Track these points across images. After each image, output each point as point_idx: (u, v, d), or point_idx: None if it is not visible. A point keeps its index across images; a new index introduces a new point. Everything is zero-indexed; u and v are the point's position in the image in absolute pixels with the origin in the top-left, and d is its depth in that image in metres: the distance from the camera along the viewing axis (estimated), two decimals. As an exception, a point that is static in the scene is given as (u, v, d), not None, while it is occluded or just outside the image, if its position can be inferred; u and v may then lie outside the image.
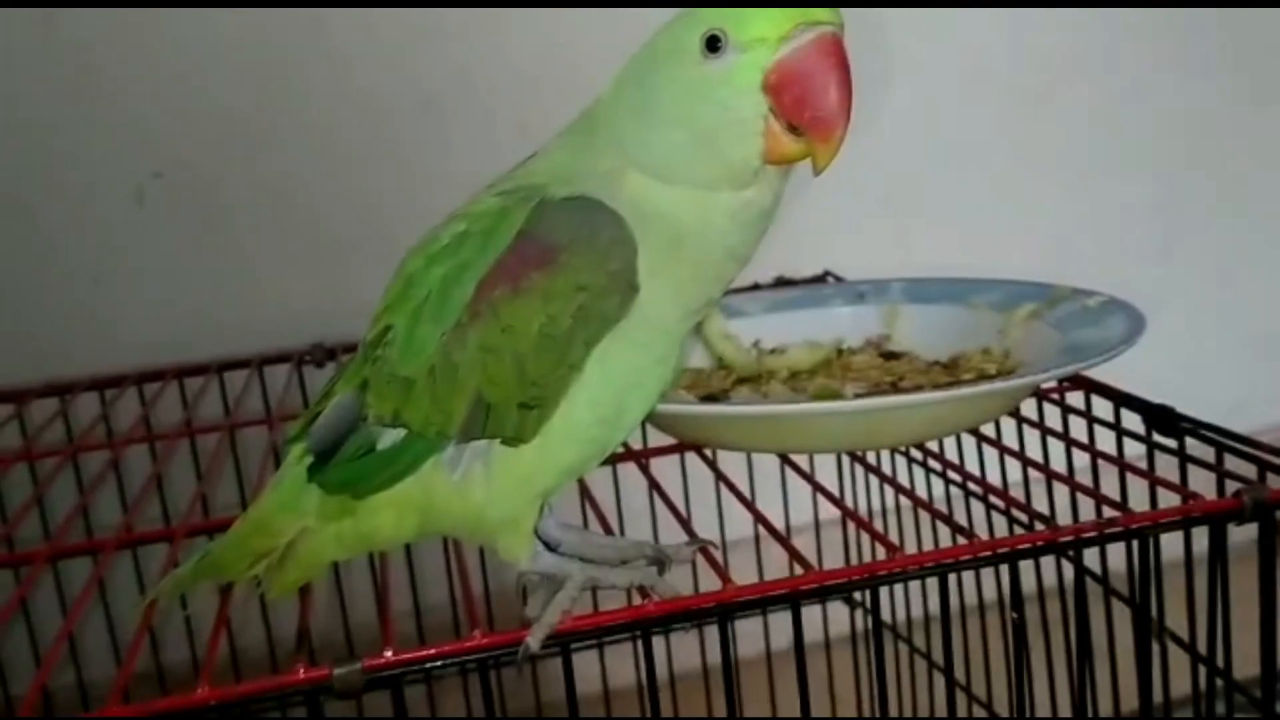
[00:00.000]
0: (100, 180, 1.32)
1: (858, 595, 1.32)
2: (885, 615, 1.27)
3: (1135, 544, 0.74)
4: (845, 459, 1.25)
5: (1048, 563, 1.02)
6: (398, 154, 1.37)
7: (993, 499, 0.87)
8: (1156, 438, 0.87)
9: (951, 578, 0.72)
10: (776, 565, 0.75)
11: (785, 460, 0.87)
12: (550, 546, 0.73)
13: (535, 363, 0.63)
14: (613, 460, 0.95)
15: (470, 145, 1.37)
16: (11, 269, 1.31)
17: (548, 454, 0.66)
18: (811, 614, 1.31)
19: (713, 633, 1.21)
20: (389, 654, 0.64)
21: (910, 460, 1.06)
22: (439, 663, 0.65)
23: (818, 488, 0.84)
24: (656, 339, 0.67)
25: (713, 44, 0.61)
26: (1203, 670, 0.83)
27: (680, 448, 0.96)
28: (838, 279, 1.25)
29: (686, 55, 0.62)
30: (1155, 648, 0.82)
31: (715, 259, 0.66)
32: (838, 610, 1.33)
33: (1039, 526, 0.73)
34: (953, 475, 0.97)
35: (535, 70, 1.38)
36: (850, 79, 0.61)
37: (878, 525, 1.12)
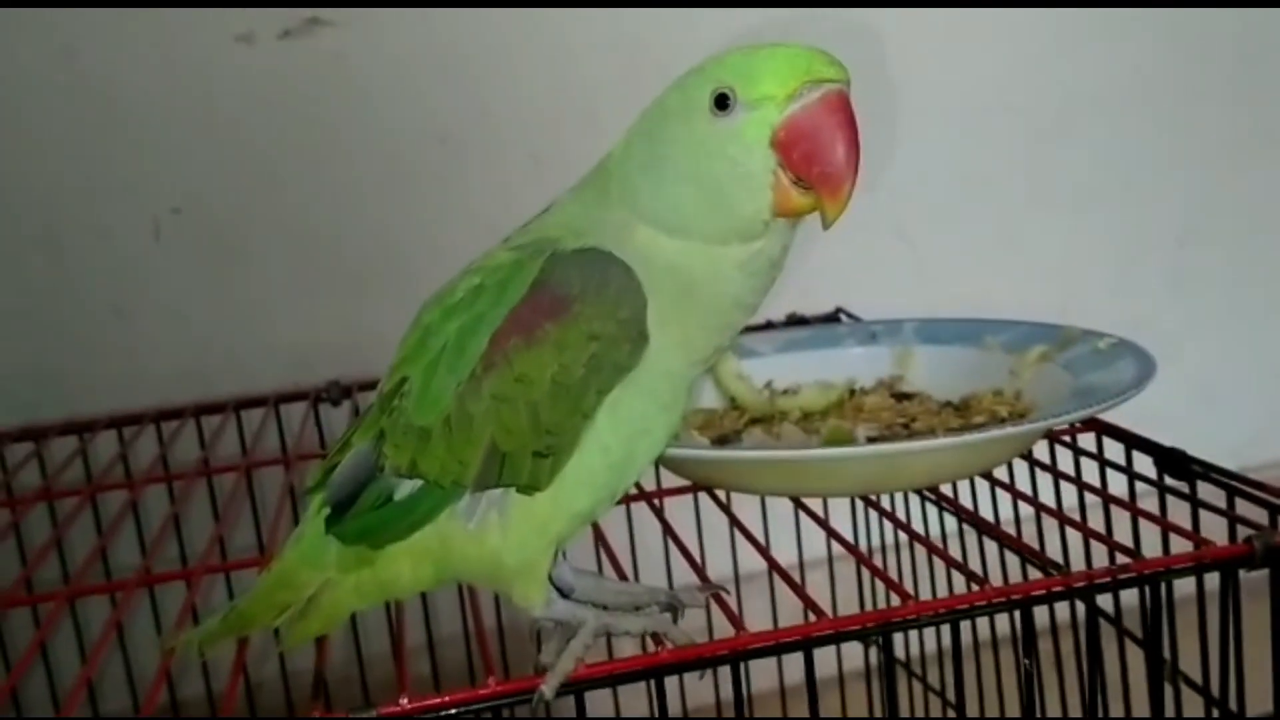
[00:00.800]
0: (119, 216, 1.33)
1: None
2: (899, 652, 1.27)
3: (1147, 588, 0.74)
4: (859, 508, 1.25)
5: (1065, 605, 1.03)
6: (414, 190, 1.38)
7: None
8: (1168, 481, 0.87)
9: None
10: (791, 602, 0.75)
11: (797, 503, 0.88)
12: (564, 592, 0.74)
13: (549, 411, 0.64)
14: (626, 501, 0.96)
15: (486, 181, 1.39)
16: (32, 303, 1.32)
17: (561, 500, 0.67)
18: (827, 649, 1.31)
19: (727, 671, 1.22)
20: (404, 702, 0.64)
21: (924, 499, 1.06)
22: (453, 710, 0.65)
23: (831, 533, 0.84)
24: (664, 387, 0.68)
25: (721, 102, 0.63)
26: (1215, 712, 0.83)
27: (694, 488, 0.97)
28: (850, 316, 1.26)
29: (696, 112, 0.63)
30: (1168, 689, 0.82)
31: (723, 309, 0.67)
32: (852, 646, 1.33)
33: (1051, 572, 0.73)
34: (965, 517, 0.97)
35: (550, 108, 1.40)
36: (857, 135, 0.62)
37: (892, 561, 1.13)
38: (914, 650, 1.26)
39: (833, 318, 1.27)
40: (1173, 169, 1.58)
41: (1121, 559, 0.73)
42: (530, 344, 0.64)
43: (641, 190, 0.66)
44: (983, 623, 1.12)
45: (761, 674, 1.19)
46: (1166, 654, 0.82)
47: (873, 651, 1.32)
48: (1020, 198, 1.54)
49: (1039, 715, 0.77)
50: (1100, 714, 0.84)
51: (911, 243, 1.51)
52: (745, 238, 0.65)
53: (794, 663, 1.27)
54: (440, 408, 0.66)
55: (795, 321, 1.24)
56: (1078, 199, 1.57)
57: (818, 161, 0.62)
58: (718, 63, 0.64)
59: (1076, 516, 0.85)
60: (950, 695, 1.20)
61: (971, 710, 1.09)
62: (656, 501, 0.93)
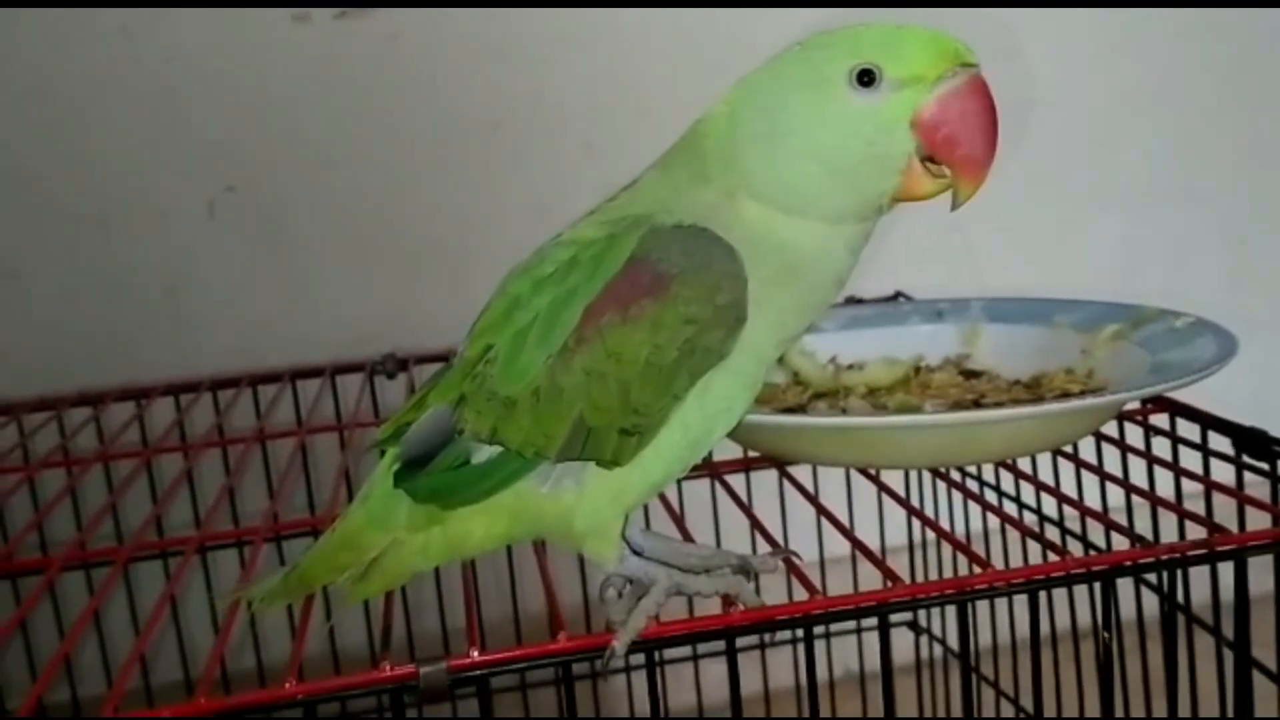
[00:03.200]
0: (174, 194, 1.33)
1: (922, 621, 1.30)
2: (951, 641, 1.25)
3: (1225, 567, 0.73)
4: (914, 486, 1.23)
5: (1125, 592, 1.00)
6: (468, 173, 1.38)
7: (1069, 524, 0.85)
8: (1246, 460, 0.85)
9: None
10: (842, 590, 0.74)
11: (865, 474, 0.86)
12: (635, 552, 0.73)
13: (640, 391, 0.63)
14: (683, 479, 0.94)
15: (538, 165, 1.39)
16: (90, 278, 1.33)
17: (638, 472, 0.66)
18: (869, 640, 1.30)
19: (775, 655, 1.20)
20: (475, 654, 0.63)
21: (982, 484, 1.04)
22: (524, 664, 0.64)
23: (896, 498, 0.83)
24: (750, 366, 0.66)
25: (864, 78, 0.61)
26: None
27: (746, 464, 0.96)
28: (910, 300, 1.24)
29: (829, 87, 0.62)
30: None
31: (823, 285, 0.66)
32: (901, 636, 1.31)
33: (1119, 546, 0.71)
34: (1028, 499, 0.95)
35: (603, 94, 1.39)
36: (998, 122, 0.63)
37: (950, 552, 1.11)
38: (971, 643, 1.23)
39: (892, 301, 1.26)
40: (1235, 168, 1.57)
41: (1196, 532, 0.72)
42: (625, 321, 0.62)
43: (754, 166, 0.64)
44: (1043, 616, 1.09)
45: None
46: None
47: (924, 642, 1.30)
48: (1080, 195, 1.53)
49: (1113, 699, 0.74)
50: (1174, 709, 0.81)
51: (969, 237, 1.49)
52: (860, 218, 0.64)
53: (842, 654, 1.27)
54: (527, 379, 0.64)
55: (855, 303, 1.22)
56: (1138, 197, 1.55)
57: (963, 144, 0.61)
58: (853, 38, 0.62)
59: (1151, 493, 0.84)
60: (1005, 687, 1.17)
61: (1026, 702, 1.07)
62: (719, 477, 0.92)
